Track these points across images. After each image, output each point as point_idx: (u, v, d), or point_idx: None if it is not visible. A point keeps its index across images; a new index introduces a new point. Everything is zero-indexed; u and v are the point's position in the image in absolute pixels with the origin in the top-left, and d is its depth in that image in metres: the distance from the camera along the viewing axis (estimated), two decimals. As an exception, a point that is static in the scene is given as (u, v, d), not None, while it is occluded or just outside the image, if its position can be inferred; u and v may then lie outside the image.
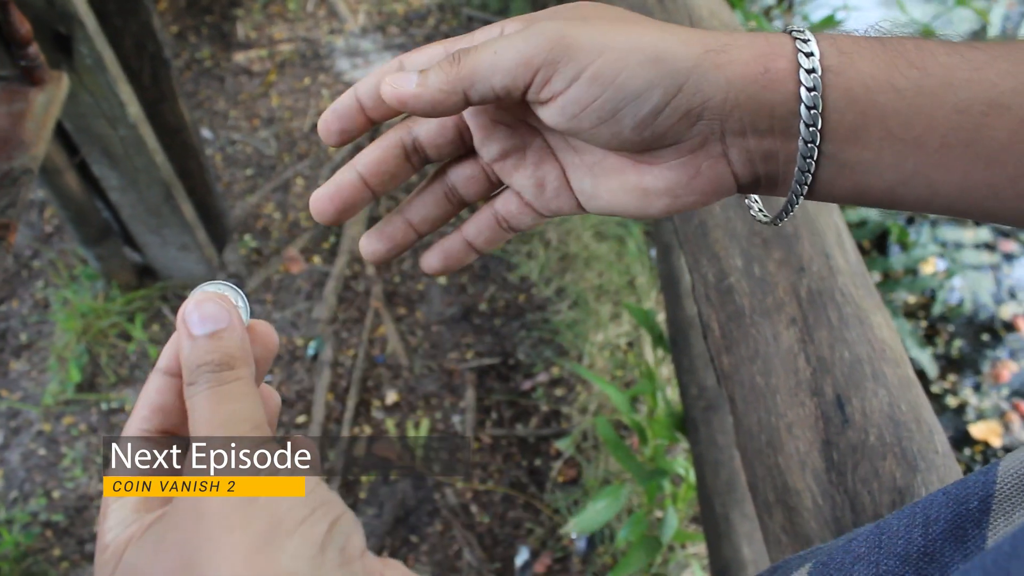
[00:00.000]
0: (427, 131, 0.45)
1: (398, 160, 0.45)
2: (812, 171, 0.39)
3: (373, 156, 0.44)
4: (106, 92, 1.71)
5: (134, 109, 1.79)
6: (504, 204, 0.46)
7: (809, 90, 0.37)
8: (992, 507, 0.37)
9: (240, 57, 3.05)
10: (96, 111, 1.75)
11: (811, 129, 0.38)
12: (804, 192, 0.40)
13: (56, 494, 2.02)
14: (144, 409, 0.40)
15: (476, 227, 0.47)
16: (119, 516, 0.37)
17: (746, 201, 0.47)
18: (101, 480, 2.02)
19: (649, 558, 1.69)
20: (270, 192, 2.64)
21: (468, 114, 0.44)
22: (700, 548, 1.92)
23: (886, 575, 0.40)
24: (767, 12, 3.05)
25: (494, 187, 0.47)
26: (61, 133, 1.84)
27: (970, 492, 0.39)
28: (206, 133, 2.79)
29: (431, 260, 0.48)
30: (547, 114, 0.40)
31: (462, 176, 0.46)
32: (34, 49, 1.24)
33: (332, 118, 0.43)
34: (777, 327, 0.86)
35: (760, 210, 0.47)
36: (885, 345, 0.83)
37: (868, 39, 0.39)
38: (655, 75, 0.38)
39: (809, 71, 0.37)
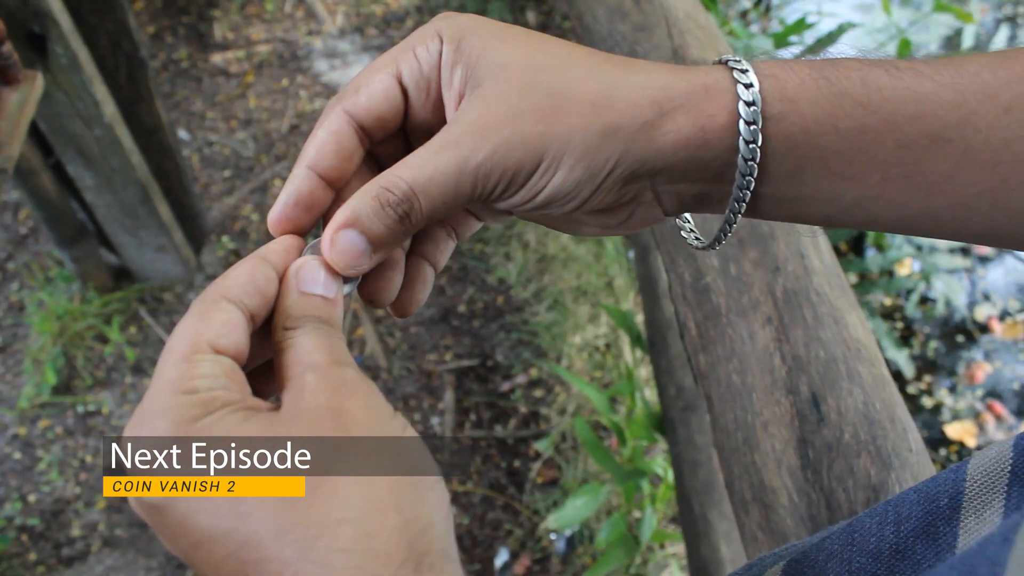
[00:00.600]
0: (367, 110, 0.40)
1: (350, 139, 0.40)
2: (742, 212, 0.39)
3: (322, 144, 0.40)
4: (81, 92, 1.70)
5: (110, 109, 1.78)
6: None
7: (748, 143, 0.37)
8: (963, 504, 0.38)
9: (217, 58, 3.03)
10: (71, 111, 1.74)
11: (747, 178, 0.38)
12: (736, 220, 0.40)
13: (32, 498, 2.00)
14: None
15: (430, 245, 0.45)
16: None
17: (677, 222, 0.47)
18: (77, 484, 2.00)
19: (628, 557, 1.69)
20: (248, 194, 2.63)
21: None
22: (679, 548, 1.93)
23: (859, 572, 0.40)
24: (744, 15, 3.07)
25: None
26: (36, 133, 1.83)
27: (940, 490, 0.39)
28: (183, 134, 2.77)
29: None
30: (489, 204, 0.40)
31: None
32: (7, 48, 1.23)
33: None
34: (753, 326, 0.86)
35: (697, 238, 0.46)
36: (860, 344, 0.84)
37: (813, 74, 0.38)
38: (582, 174, 0.37)
39: (749, 123, 0.37)
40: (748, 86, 0.37)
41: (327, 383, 0.34)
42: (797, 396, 0.81)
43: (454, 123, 0.37)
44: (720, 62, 0.39)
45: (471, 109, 0.37)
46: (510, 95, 0.37)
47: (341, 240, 0.38)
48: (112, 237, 2.15)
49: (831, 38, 2.20)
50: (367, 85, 0.39)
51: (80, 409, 2.13)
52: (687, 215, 0.46)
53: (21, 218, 2.52)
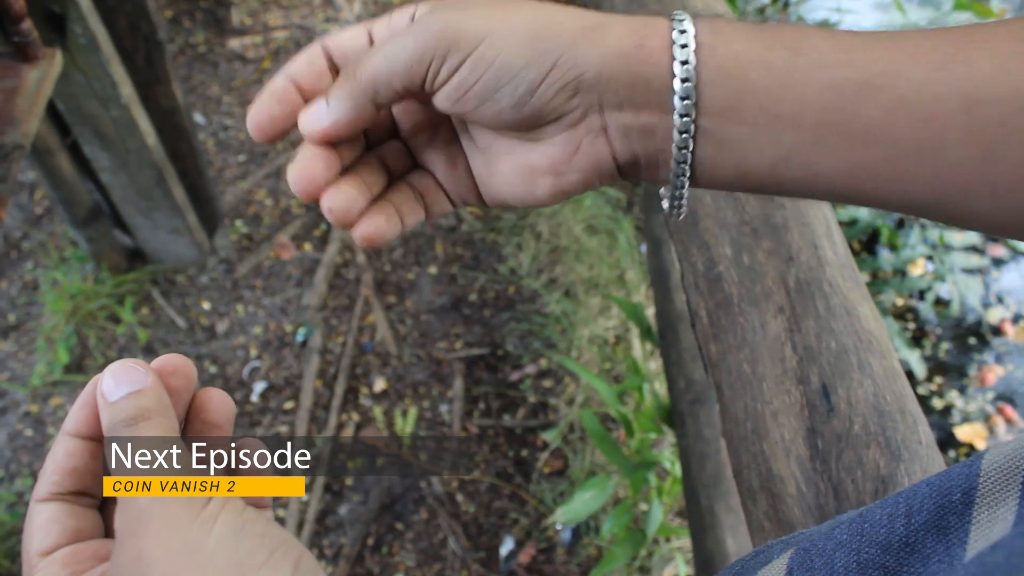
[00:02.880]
0: (337, 46, 0.46)
1: (320, 61, 0.45)
2: (691, 148, 0.40)
3: (300, 60, 0.45)
4: (99, 72, 1.71)
5: (127, 90, 1.78)
6: (419, 179, 0.47)
7: (682, 63, 0.38)
8: (975, 500, 0.37)
9: (234, 43, 3.04)
10: (88, 91, 1.75)
11: (685, 102, 0.39)
12: (687, 171, 0.41)
13: (41, 475, 2.01)
14: (55, 474, 0.41)
15: (400, 196, 0.47)
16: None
17: (660, 192, 0.48)
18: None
19: (634, 551, 1.70)
20: (262, 178, 2.63)
21: None
22: (684, 542, 1.93)
23: (867, 563, 0.40)
24: (762, 11, 3.06)
25: (409, 160, 0.48)
26: (53, 113, 1.84)
27: (953, 484, 0.38)
28: (199, 118, 2.78)
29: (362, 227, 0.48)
30: (436, 100, 0.42)
31: (387, 147, 0.48)
32: (27, 25, 1.23)
33: (267, 103, 0.44)
34: (765, 316, 0.86)
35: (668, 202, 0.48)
36: (871, 336, 0.83)
37: (747, 24, 0.40)
38: (531, 54, 0.39)
39: (682, 46, 0.39)
40: (681, 20, 0.40)
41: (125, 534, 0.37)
42: (807, 386, 0.81)
43: None
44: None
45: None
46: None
47: (310, 106, 0.43)
48: (126, 218, 2.16)
49: None
50: (343, 31, 0.45)
51: (91, 388, 2.15)
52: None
53: (37, 198, 2.54)
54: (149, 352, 2.22)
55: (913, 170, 0.37)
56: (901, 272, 2.63)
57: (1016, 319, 2.63)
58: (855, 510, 0.44)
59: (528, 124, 0.42)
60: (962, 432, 2.41)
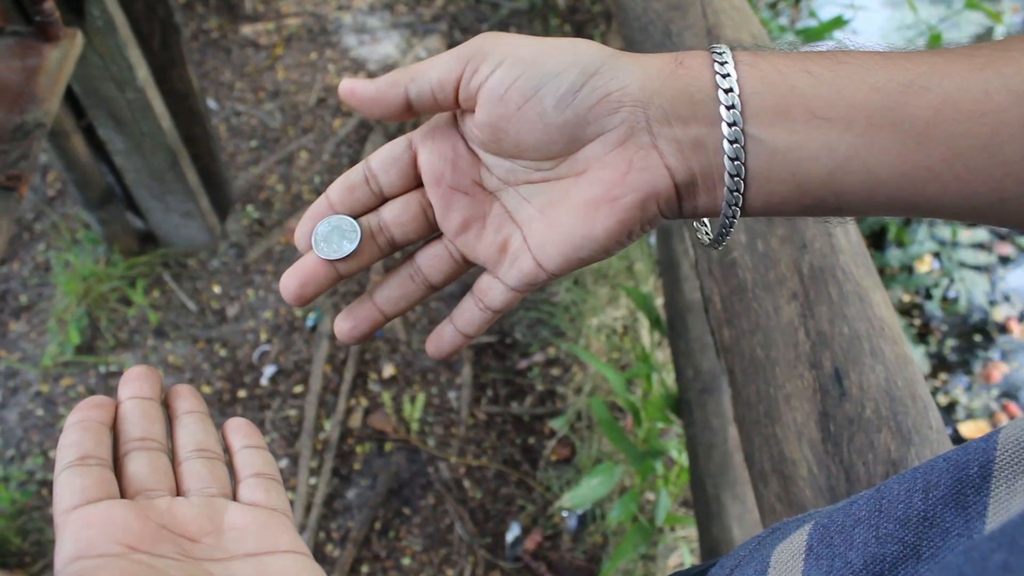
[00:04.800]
0: (391, 211, 0.47)
1: (366, 242, 0.47)
2: (743, 159, 0.39)
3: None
4: (115, 55, 1.72)
5: (143, 73, 1.79)
6: (477, 284, 0.48)
7: (724, 76, 0.39)
8: (993, 473, 0.37)
9: (247, 29, 3.05)
10: (105, 73, 1.76)
11: (731, 111, 0.39)
12: (740, 187, 0.40)
13: (53, 454, 2.03)
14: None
15: (460, 312, 0.48)
16: None
17: (695, 224, 0.48)
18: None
19: (644, 542, 1.71)
20: (274, 164, 2.64)
21: (428, 188, 0.46)
22: (689, 532, 1.94)
23: (886, 538, 0.40)
24: (774, 5, 3.06)
25: (460, 268, 0.48)
26: (69, 95, 1.85)
27: (970, 458, 0.38)
28: (211, 104, 2.79)
29: (429, 346, 0.50)
30: (479, 107, 0.42)
31: (427, 256, 0.48)
32: (50, 5, 1.24)
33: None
34: (778, 301, 0.87)
35: (707, 233, 0.48)
36: (884, 323, 0.84)
37: (779, 48, 0.41)
38: (572, 59, 0.40)
39: (722, 63, 0.39)
40: (720, 52, 0.40)
41: None
42: (820, 371, 0.82)
43: None
44: None
45: None
46: None
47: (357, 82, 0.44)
48: (139, 201, 2.17)
49: (822, 31, 2.20)
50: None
51: (102, 369, 2.16)
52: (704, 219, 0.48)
53: (49, 180, 2.55)
54: (160, 335, 2.23)
55: (972, 168, 0.37)
56: (908, 268, 2.63)
57: (1022, 317, 2.63)
58: (873, 487, 0.44)
59: (572, 133, 0.41)
60: (966, 429, 2.41)
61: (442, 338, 0.49)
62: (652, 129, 0.40)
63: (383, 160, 0.46)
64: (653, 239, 2.37)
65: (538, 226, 0.44)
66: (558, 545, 1.95)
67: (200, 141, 2.09)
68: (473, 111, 0.43)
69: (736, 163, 0.40)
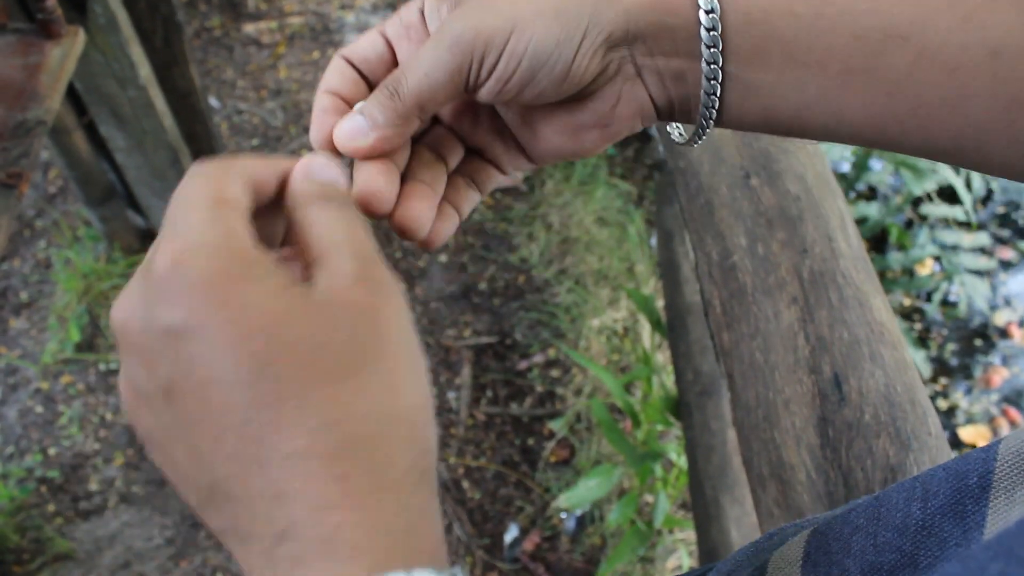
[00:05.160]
0: (356, 54, 0.46)
1: (347, 71, 0.45)
2: (718, 93, 0.41)
3: (333, 76, 0.45)
4: (117, 52, 1.72)
5: (145, 71, 1.79)
6: (468, 162, 0.48)
7: (707, 12, 0.39)
8: (992, 484, 0.37)
9: (250, 28, 3.05)
10: (107, 71, 1.76)
11: (711, 50, 0.39)
12: (712, 115, 0.42)
13: (52, 451, 2.03)
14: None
15: (454, 190, 0.47)
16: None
17: (668, 128, 0.49)
18: (97, 440, 2.04)
19: (642, 544, 1.71)
20: (275, 163, 2.64)
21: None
22: (688, 534, 1.94)
23: (883, 547, 0.40)
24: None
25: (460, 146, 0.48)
26: (70, 92, 1.85)
27: (970, 468, 0.39)
28: (213, 102, 2.79)
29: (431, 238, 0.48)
30: (479, 96, 0.42)
31: (435, 134, 0.47)
32: (52, 2, 1.24)
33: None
34: (778, 306, 0.87)
35: (680, 134, 0.49)
36: (883, 328, 0.84)
37: None
38: (559, 31, 0.39)
39: None
40: None
41: (364, 279, 0.33)
42: (819, 375, 0.82)
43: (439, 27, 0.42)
44: None
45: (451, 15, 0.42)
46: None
47: (344, 122, 0.42)
48: (140, 199, 2.17)
49: None
50: (359, 40, 0.45)
51: (102, 367, 2.16)
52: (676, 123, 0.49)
53: (51, 177, 2.55)
54: (160, 333, 2.23)
55: (936, 118, 0.38)
56: (909, 272, 2.63)
57: (1023, 322, 2.63)
58: (871, 495, 0.44)
59: (570, 95, 0.42)
60: (966, 433, 2.41)
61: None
62: (636, 61, 0.42)
63: (362, 54, 0.45)
64: (654, 241, 2.37)
65: (527, 136, 0.46)
66: (556, 546, 1.95)
67: (202, 139, 2.09)
68: None
69: (711, 96, 0.41)
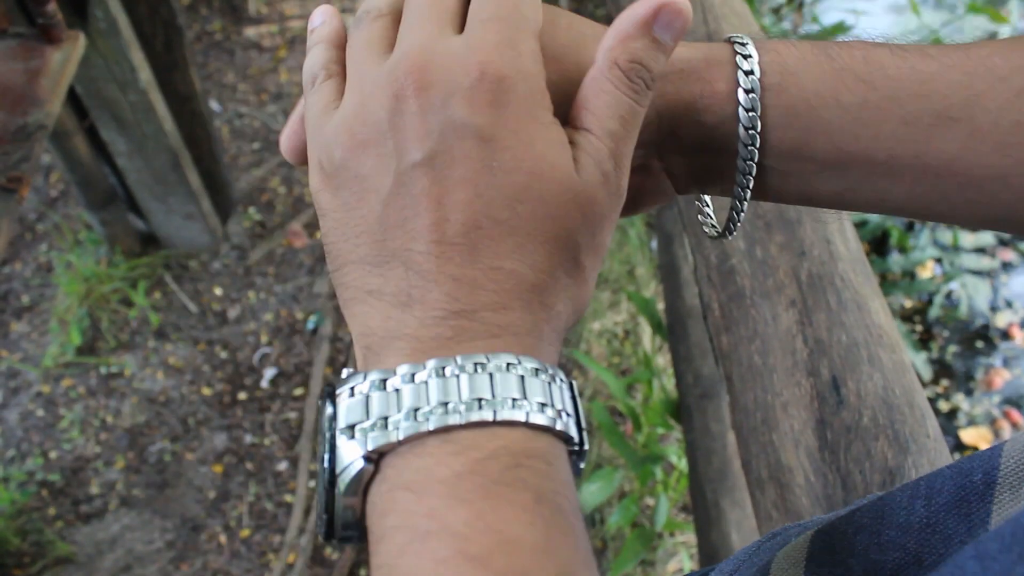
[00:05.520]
0: None
1: None
2: (750, 186, 0.39)
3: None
4: (118, 56, 1.72)
5: (145, 75, 1.80)
6: None
7: (747, 111, 0.37)
8: (997, 480, 0.37)
9: (251, 32, 3.05)
10: (108, 75, 1.76)
11: (749, 148, 0.37)
12: (743, 207, 0.40)
13: (53, 454, 2.03)
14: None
15: None
16: None
17: (700, 217, 0.47)
18: (98, 443, 2.04)
19: (644, 548, 1.71)
20: (276, 166, 2.65)
21: None
22: (688, 537, 1.94)
23: (887, 545, 0.39)
24: (777, 10, 3.06)
25: None
26: (71, 97, 1.85)
27: (975, 466, 0.38)
28: (214, 105, 2.79)
29: None
30: None
31: None
32: (52, 7, 1.25)
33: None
34: (777, 308, 0.87)
35: (713, 226, 0.46)
36: (882, 331, 0.84)
37: (815, 50, 0.38)
38: None
39: (748, 91, 0.37)
40: (747, 57, 0.37)
41: (614, 192, 0.36)
42: (818, 378, 0.82)
43: None
44: (724, 40, 0.39)
45: None
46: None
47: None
48: (141, 203, 2.17)
49: (824, 37, 2.19)
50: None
51: (103, 370, 2.16)
52: (705, 199, 0.46)
53: (52, 181, 2.55)
54: (161, 336, 2.24)
55: (988, 193, 0.36)
56: (910, 274, 2.63)
57: (1024, 324, 2.63)
58: (875, 495, 0.44)
59: None
60: (967, 435, 2.41)
61: None
62: (664, 157, 0.40)
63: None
64: (655, 244, 2.37)
65: None
66: (557, 549, 1.95)
67: (202, 143, 2.09)
68: None
69: (745, 191, 0.39)
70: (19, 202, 1.10)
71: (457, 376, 0.30)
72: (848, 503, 0.75)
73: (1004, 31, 2.45)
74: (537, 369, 0.31)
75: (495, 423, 0.29)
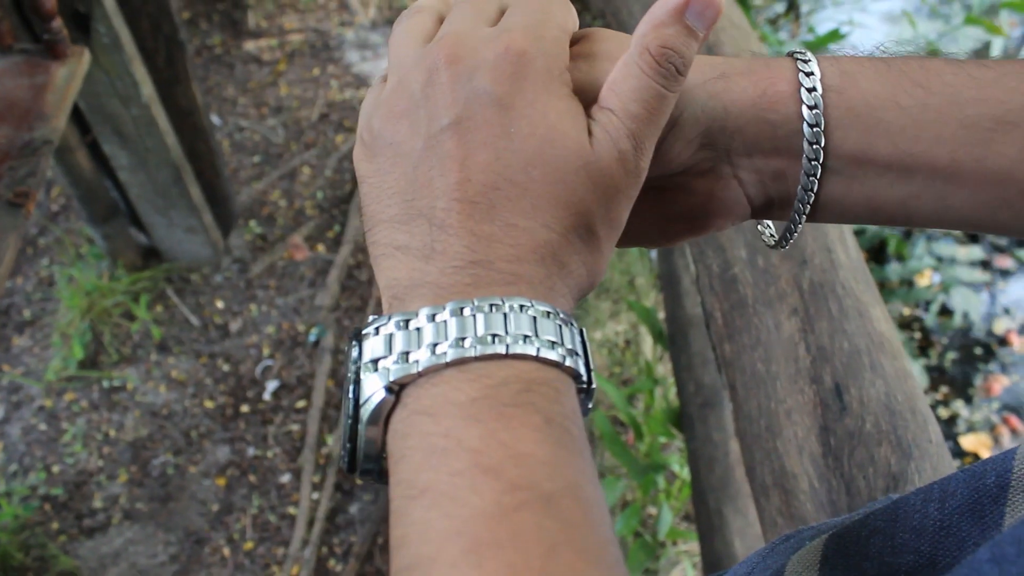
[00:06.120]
0: None
1: None
2: (815, 189, 0.39)
3: None
4: (121, 71, 1.73)
5: (148, 89, 1.81)
6: None
7: (810, 108, 0.38)
8: (1011, 483, 0.37)
9: (250, 45, 3.07)
10: (110, 90, 1.77)
11: (814, 147, 0.38)
12: (806, 210, 0.40)
13: (56, 469, 2.03)
14: None
15: None
16: None
17: (759, 227, 0.48)
18: (100, 457, 2.04)
19: (648, 557, 1.71)
20: (277, 179, 2.66)
21: None
22: (691, 546, 1.94)
23: (901, 548, 0.40)
24: (774, 21, 3.08)
25: None
26: (74, 111, 1.86)
27: (988, 469, 0.38)
28: (215, 119, 2.80)
29: None
30: None
31: None
32: (57, 23, 1.26)
33: None
34: (779, 316, 0.88)
35: (772, 235, 0.47)
36: (883, 338, 0.85)
37: (872, 60, 0.39)
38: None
39: (810, 90, 0.38)
40: (807, 61, 0.39)
41: (632, 172, 0.38)
42: (820, 385, 0.82)
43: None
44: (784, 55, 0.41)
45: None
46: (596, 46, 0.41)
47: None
48: (143, 217, 2.18)
49: (819, 44, 2.21)
50: None
51: (105, 384, 2.17)
52: (767, 221, 0.47)
53: (53, 195, 2.56)
54: (163, 350, 2.24)
55: None
56: (908, 283, 2.64)
57: (1022, 330, 2.64)
58: (887, 498, 0.44)
59: (655, 175, 0.41)
60: (967, 442, 2.42)
61: None
62: (733, 161, 0.41)
63: None
64: (654, 254, 2.38)
65: None
66: (560, 559, 1.95)
67: (204, 157, 2.10)
68: None
69: (808, 193, 0.40)
70: (26, 217, 1.11)
71: (474, 316, 0.32)
72: (852, 508, 0.76)
73: (997, 43, 2.47)
74: (549, 312, 0.33)
75: (508, 356, 0.32)
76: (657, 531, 1.75)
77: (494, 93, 0.35)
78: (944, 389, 2.53)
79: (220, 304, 2.35)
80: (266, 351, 2.26)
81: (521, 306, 0.33)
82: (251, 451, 2.08)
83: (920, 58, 0.39)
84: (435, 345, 0.32)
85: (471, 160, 0.35)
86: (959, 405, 2.50)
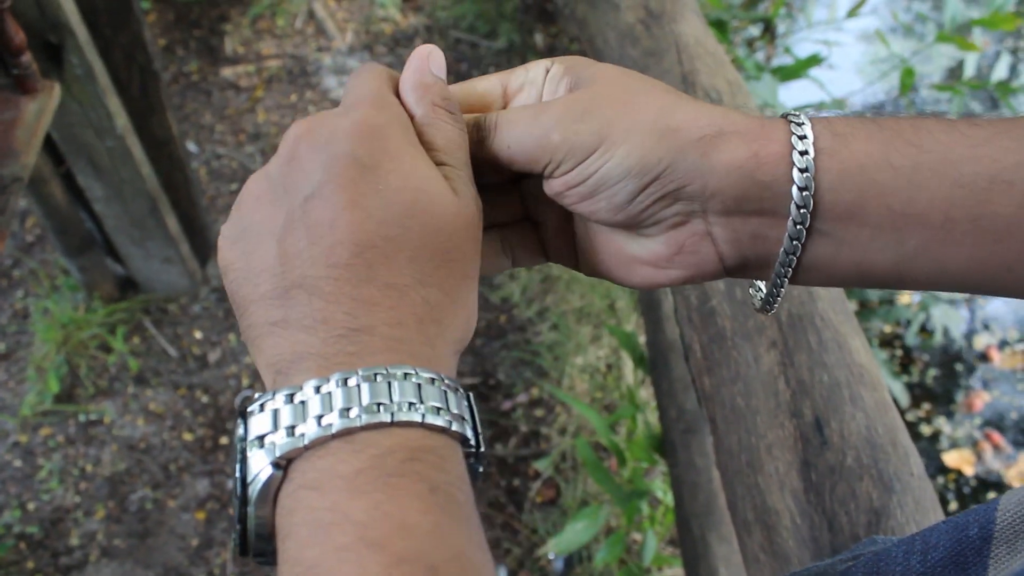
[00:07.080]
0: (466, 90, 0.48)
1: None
2: (798, 253, 0.39)
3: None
4: (95, 102, 1.72)
5: (122, 120, 1.79)
6: (518, 230, 0.48)
7: (801, 171, 0.37)
8: (993, 535, 0.37)
9: (227, 72, 3.06)
10: (84, 121, 1.76)
11: (801, 210, 0.38)
12: (788, 273, 0.40)
13: (31, 506, 2.00)
14: None
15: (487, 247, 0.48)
16: None
17: (750, 290, 0.47)
18: (77, 492, 2.01)
19: (632, 583, 1.70)
20: (254, 207, 2.64)
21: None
22: (676, 572, 1.93)
23: None
24: (751, 43, 3.10)
25: (519, 208, 0.48)
26: (47, 142, 1.84)
27: (970, 521, 0.38)
28: (191, 147, 2.79)
29: None
30: (544, 186, 0.43)
31: (499, 198, 0.48)
32: (27, 58, 1.24)
33: None
34: (758, 350, 0.88)
35: (761, 297, 0.46)
36: (863, 369, 0.85)
37: (864, 120, 0.39)
38: (636, 165, 0.39)
39: (802, 153, 0.38)
40: (800, 124, 0.39)
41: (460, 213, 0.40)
42: (801, 419, 0.82)
43: (551, 101, 0.43)
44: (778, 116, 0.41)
45: (567, 95, 0.43)
46: (598, 88, 0.42)
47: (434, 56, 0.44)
48: (119, 248, 2.16)
49: (798, 69, 2.21)
50: (478, 80, 0.48)
51: (82, 418, 2.14)
52: (760, 284, 0.46)
53: (28, 226, 2.54)
54: (140, 382, 2.21)
55: None
56: (889, 301, 2.65)
57: (1002, 345, 2.65)
58: (870, 539, 0.43)
59: (625, 225, 0.42)
60: (950, 458, 2.42)
61: None
62: (708, 218, 0.40)
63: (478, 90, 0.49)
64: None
65: (584, 238, 0.46)
66: (545, 588, 1.94)
67: (180, 187, 2.09)
68: None
69: (790, 256, 0.40)
70: (-5, 256, 1.09)
71: (359, 385, 0.32)
72: (835, 545, 0.75)
73: (971, 60, 2.49)
74: (433, 379, 0.34)
75: (393, 423, 0.32)
76: (642, 558, 1.74)
77: (355, 154, 0.36)
78: (926, 406, 2.53)
79: (198, 335, 2.32)
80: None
81: (405, 374, 0.33)
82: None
83: (912, 117, 0.38)
84: (321, 417, 0.32)
85: (340, 222, 0.35)
86: (941, 422, 2.50)
